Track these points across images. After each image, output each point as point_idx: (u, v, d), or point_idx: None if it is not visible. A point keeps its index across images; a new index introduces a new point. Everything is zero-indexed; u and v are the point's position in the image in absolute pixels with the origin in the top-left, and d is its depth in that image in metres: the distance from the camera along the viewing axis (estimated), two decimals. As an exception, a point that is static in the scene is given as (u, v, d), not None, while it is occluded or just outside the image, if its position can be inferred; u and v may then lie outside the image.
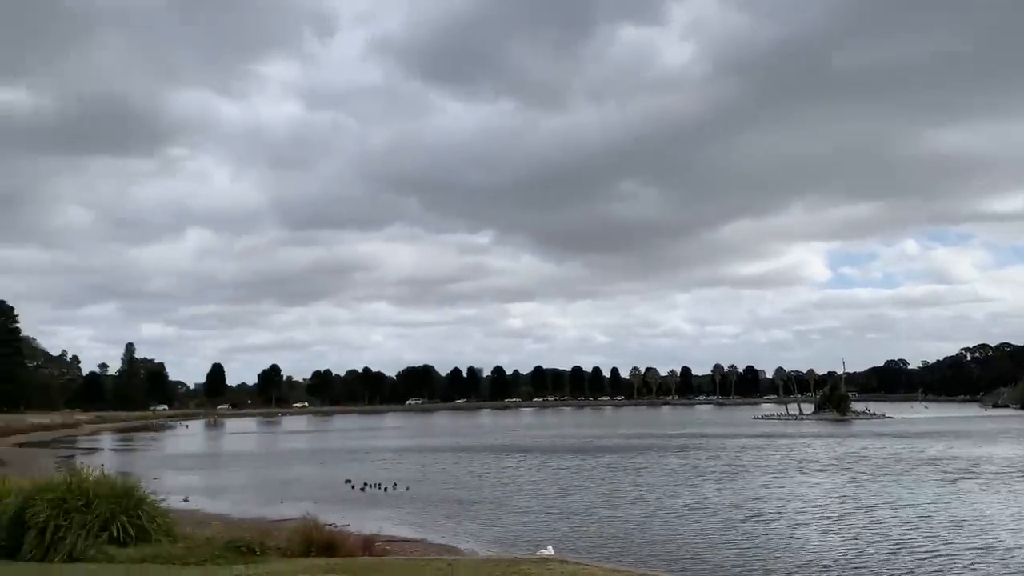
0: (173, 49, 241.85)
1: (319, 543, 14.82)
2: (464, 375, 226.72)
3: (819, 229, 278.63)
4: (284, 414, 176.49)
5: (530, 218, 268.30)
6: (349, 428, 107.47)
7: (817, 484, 33.03)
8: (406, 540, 20.02)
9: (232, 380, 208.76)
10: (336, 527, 16.60)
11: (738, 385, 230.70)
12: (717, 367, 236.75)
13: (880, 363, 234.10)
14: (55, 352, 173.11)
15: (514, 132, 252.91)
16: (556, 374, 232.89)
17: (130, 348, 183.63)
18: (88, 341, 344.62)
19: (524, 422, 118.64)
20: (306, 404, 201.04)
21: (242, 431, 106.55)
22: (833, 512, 25.29)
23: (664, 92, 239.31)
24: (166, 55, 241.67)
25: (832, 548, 19.80)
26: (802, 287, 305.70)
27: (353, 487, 33.59)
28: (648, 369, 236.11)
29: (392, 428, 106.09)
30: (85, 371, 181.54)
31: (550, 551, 16.47)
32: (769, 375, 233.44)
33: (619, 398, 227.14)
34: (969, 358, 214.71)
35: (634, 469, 40.57)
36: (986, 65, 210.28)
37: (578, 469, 41.38)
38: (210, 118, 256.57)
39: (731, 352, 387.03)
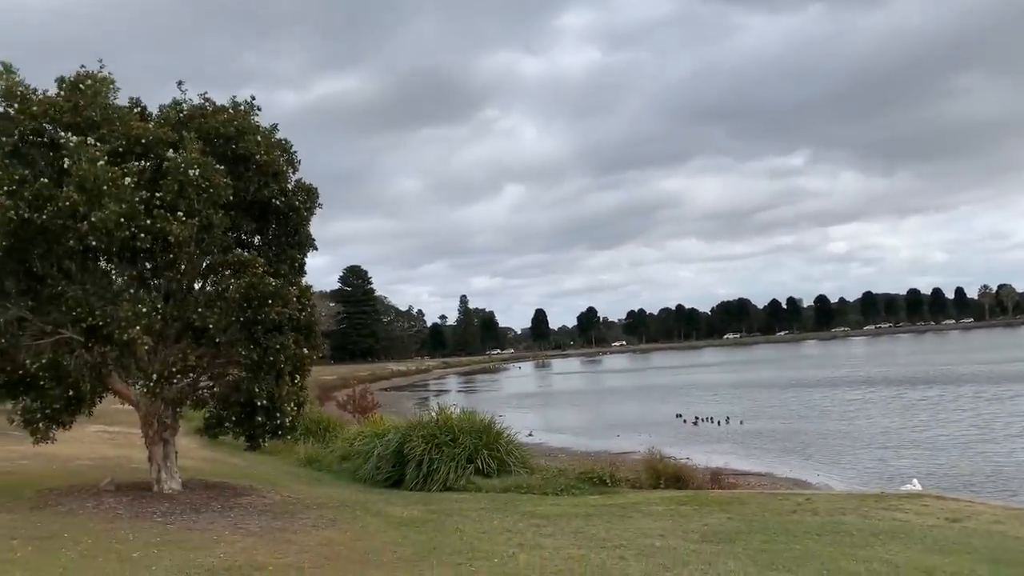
0: (479, 15, 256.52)
1: (667, 475, 14.90)
2: (784, 306, 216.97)
3: None
4: (604, 353, 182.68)
5: (848, 131, 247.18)
6: (669, 365, 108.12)
7: None
8: (751, 474, 19.49)
9: (553, 324, 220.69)
10: (678, 460, 16.50)
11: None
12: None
13: None
14: (403, 307, 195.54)
15: (825, 38, 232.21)
16: (889, 299, 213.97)
17: (464, 300, 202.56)
18: (428, 296, 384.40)
19: (857, 352, 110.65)
20: (624, 343, 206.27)
21: (568, 371, 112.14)
22: None
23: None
24: (473, 23, 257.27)
25: None
26: None
27: (685, 421, 33.60)
28: (1001, 286, 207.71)
29: (713, 363, 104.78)
30: (428, 323, 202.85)
31: (916, 486, 14.97)
32: None
33: (967, 320, 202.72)
34: None
35: (1008, 399, 35.61)
36: None
37: (937, 400, 37.31)
38: (515, 78, 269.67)
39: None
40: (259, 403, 10.71)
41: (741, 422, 31.93)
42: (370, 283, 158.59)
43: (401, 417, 33.47)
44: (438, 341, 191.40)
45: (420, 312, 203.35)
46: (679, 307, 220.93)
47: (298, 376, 11.42)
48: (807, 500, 12.44)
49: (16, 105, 10.32)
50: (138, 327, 9.61)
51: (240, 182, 11.08)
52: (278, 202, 11.54)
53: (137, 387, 10.80)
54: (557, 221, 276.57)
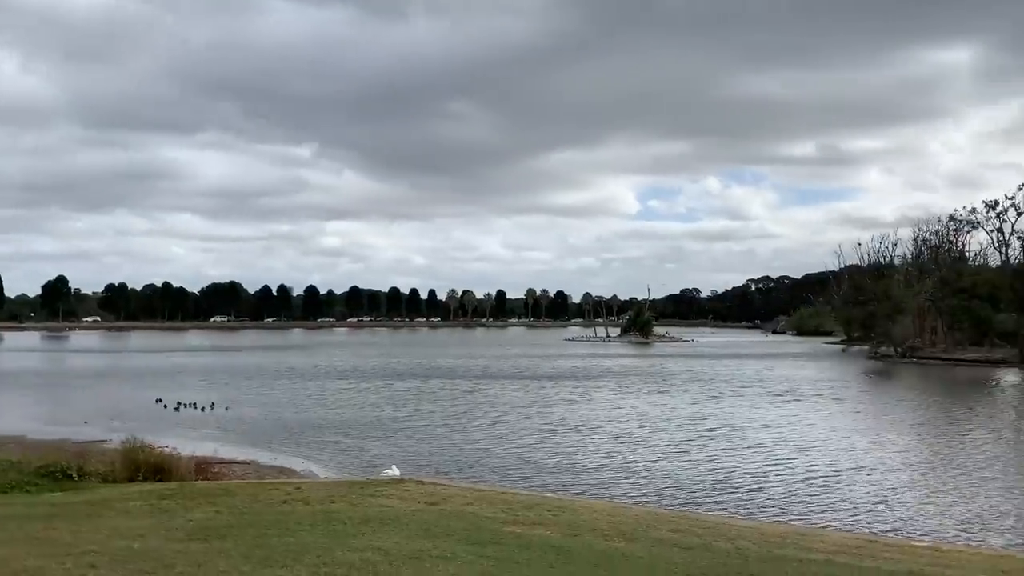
0: None
1: (147, 466, 13.55)
2: (275, 293, 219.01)
3: (635, 163, 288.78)
4: (73, 328, 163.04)
5: (358, 133, 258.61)
6: (150, 346, 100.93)
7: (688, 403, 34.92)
8: (236, 462, 18.91)
9: (14, 291, 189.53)
10: (160, 449, 15.18)
11: (548, 309, 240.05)
12: (530, 291, 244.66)
13: (676, 291, 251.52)
14: None
15: (347, 41, 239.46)
16: (372, 295, 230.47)
17: None
18: None
19: (339, 340, 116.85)
20: (98, 319, 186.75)
21: (25, 346, 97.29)
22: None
23: (504, 13, 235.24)
24: None
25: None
26: (613, 218, 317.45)
27: (165, 407, 31.40)
28: (465, 292, 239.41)
29: (199, 347, 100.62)
30: None
31: (396, 472, 16.06)
32: (577, 300, 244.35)
33: (435, 319, 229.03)
34: (753, 288, 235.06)
35: (478, 391, 40.64)
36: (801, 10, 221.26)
37: (417, 391, 40.90)
38: None
39: (544, 277, 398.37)
40: None
41: (227, 408, 30.98)
42: None
43: None
44: None
45: None
46: (167, 285, 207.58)
47: None
48: (297, 489, 12.41)
49: None
50: None
51: None
52: None
53: None
54: (30, 172, 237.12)
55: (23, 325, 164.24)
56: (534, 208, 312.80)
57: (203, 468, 14.45)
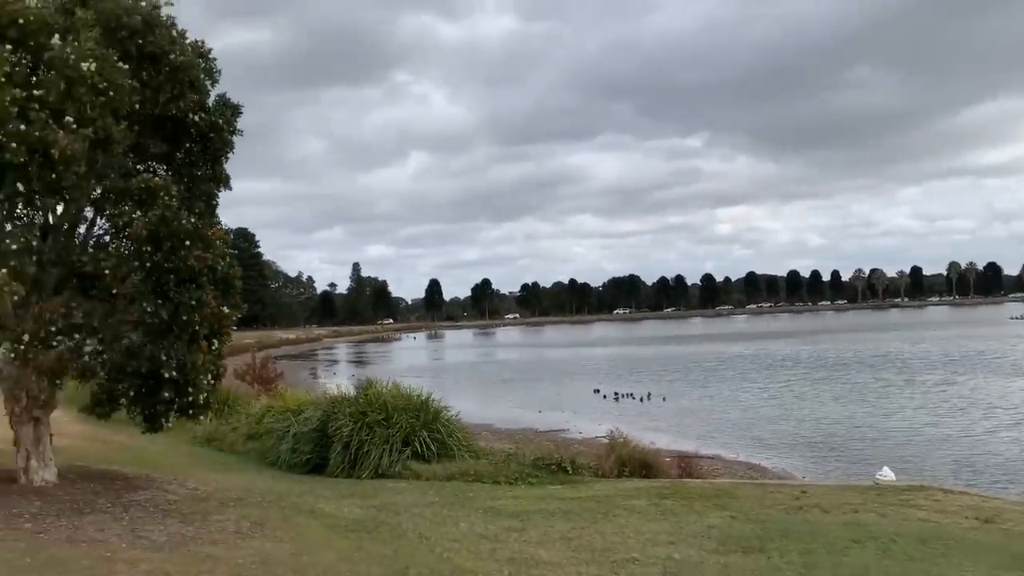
0: None
1: (632, 462, 13.29)
2: (671, 283, 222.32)
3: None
4: (497, 325, 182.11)
5: (746, 116, 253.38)
6: (564, 338, 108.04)
7: None
8: (700, 456, 18.15)
9: (447, 295, 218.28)
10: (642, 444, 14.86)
11: (977, 284, 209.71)
12: (953, 265, 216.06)
13: None
14: (292, 274, 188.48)
15: (731, 23, 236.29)
16: (770, 279, 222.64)
17: (356, 268, 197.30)
18: (319, 263, 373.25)
19: (740, 328, 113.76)
20: (516, 316, 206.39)
21: (462, 343, 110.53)
22: None
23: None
24: None
25: None
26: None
27: (605, 397, 32.40)
28: (873, 270, 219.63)
29: (611, 338, 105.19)
30: (318, 290, 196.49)
31: (890, 475, 13.86)
32: (1014, 272, 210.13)
33: (841, 302, 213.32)
34: None
35: (949, 383, 34.06)
36: None
37: (867, 383, 35.44)
38: (431, 42, 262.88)
39: (966, 249, 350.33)
40: (166, 374, 8.32)
41: (664, 399, 30.92)
42: (258, 247, 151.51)
43: (304, 390, 30.82)
44: (328, 309, 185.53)
45: (310, 279, 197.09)
46: (572, 281, 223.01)
47: (216, 341, 9.09)
48: (803, 494, 11.07)
49: None
50: (4, 270, 7.07)
51: (148, 89, 8.55)
52: (196, 118, 9.06)
53: (1, 350, 8.19)
54: (458, 191, 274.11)
55: (459, 324, 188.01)
56: (950, 172, 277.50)
57: (683, 464, 13.82)
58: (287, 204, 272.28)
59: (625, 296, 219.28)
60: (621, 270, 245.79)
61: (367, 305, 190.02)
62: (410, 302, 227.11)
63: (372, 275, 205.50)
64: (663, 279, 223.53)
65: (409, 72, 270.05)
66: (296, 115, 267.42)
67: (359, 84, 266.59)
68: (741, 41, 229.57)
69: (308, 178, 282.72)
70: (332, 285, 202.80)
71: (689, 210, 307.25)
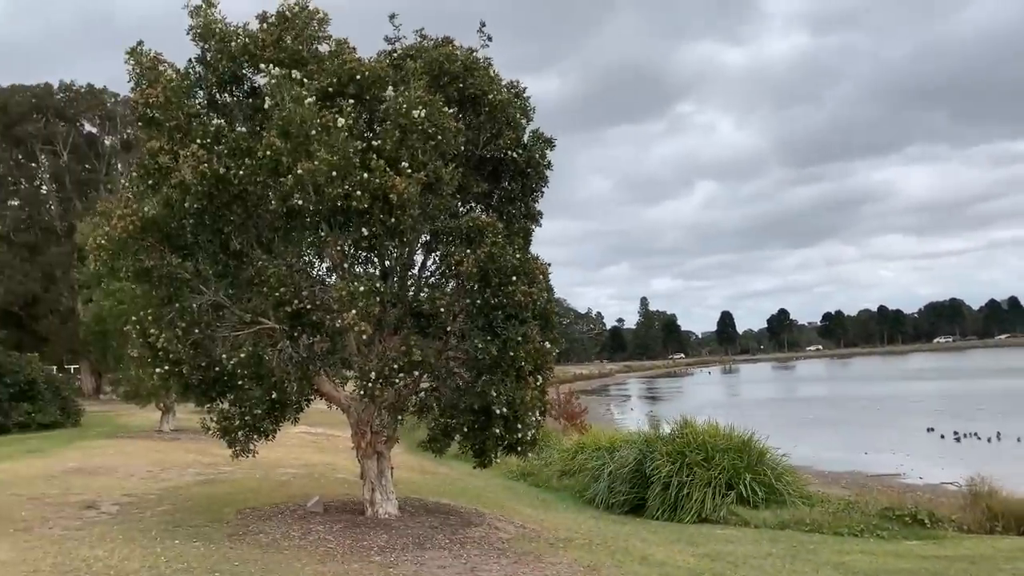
0: (683, 5, 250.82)
1: (1007, 515, 11.17)
2: (1004, 306, 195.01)
3: None
4: (798, 358, 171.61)
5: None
6: (879, 371, 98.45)
7: None
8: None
9: (739, 327, 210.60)
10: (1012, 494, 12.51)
11: None
12: None
13: None
14: (582, 310, 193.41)
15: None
16: None
17: (644, 302, 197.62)
18: (607, 299, 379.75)
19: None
20: (819, 347, 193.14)
21: (760, 378, 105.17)
22: None
23: None
24: (676, 15, 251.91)
25: None
26: None
27: (942, 436, 28.46)
28: None
29: (927, 368, 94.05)
30: (607, 326, 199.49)
31: None
32: None
33: None
34: None
35: None
36: None
37: None
38: (716, 69, 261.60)
39: None
40: (497, 410, 8.30)
41: (1020, 439, 26.36)
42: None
43: (611, 426, 30.67)
44: (618, 344, 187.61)
45: (599, 315, 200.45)
46: (881, 308, 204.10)
47: (540, 377, 8.94)
48: None
49: (213, 43, 8.52)
50: (353, 311, 7.45)
51: (470, 131, 8.76)
52: (514, 155, 9.12)
53: (350, 388, 8.70)
54: (747, 219, 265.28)
55: (755, 357, 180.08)
56: None
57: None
58: (575, 242, 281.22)
59: (946, 323, 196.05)
60: (938, 294, 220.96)
61: (656, 339, 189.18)
62: (700, 335, 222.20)
63: (660, 309, 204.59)
64: (992, 302, 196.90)
65: (692, 102, 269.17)
66: (582, 156, 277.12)
67: (642, 120, 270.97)
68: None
69: (595, 216, 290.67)
70: (620, 320, 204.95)
71: (1022, 222, 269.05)
